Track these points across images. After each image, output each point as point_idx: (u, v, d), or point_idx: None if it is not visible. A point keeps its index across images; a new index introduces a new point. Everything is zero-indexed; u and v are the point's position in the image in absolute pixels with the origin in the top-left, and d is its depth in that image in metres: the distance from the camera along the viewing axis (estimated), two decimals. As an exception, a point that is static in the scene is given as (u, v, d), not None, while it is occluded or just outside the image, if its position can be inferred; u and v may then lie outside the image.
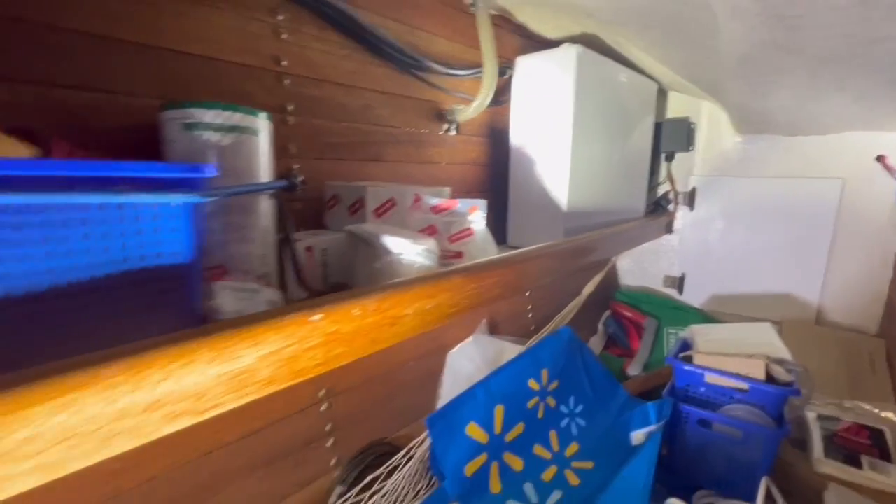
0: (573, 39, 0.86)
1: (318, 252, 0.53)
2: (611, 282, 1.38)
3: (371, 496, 0.62)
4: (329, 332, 0.35)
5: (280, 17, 0.58)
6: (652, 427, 0.76)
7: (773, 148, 1.14)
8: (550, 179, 0.83)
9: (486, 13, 0.76)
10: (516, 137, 0.88)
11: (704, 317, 1.26)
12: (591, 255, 0.82)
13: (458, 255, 0.59)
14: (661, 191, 1.26)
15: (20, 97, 0.41)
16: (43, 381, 0.23)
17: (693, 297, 1.30)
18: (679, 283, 1.32)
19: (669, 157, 1.19)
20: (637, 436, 0.80)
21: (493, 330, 0.97)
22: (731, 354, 0.80)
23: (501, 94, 0.87)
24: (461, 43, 0.83)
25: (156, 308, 0.32)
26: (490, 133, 0.93)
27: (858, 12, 0.51)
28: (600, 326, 1.28)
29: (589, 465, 0.80)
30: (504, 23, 0.90)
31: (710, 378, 0.80)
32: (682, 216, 1.28)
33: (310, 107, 0.62)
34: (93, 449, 0.24)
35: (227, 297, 0.37)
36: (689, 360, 0.80)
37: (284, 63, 0.59)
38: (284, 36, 0.59)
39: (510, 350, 0.86)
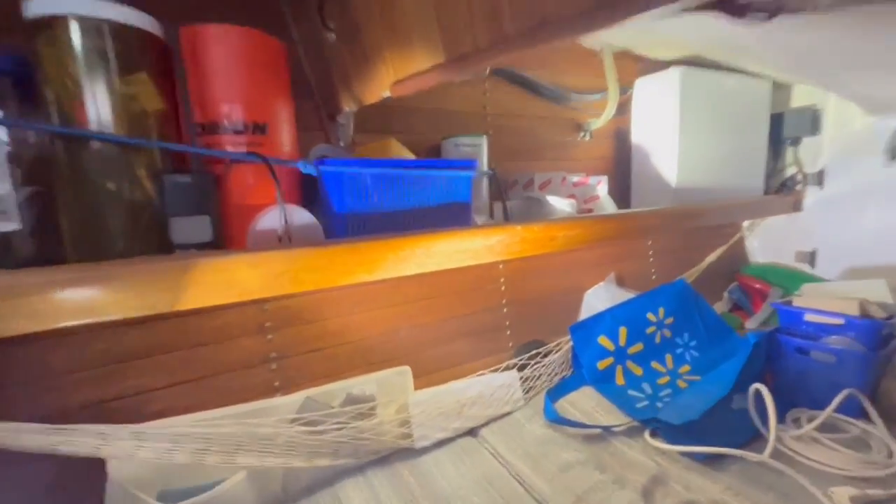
0: (687, 60, 1.11)
1: (509, 206, 0.97)
2: (738, 258, 1.53)
3: (533, 366, 1.02)
4: (515, 239, 0.69)
5: (486, 84, 1.04)
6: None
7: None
8: (662, 166, 1.14)
9: (609, 53, 1.11)
10: (636, 137, 1.20)
11: (835, 286, 1.34)
12: (698, 220, 1.08)
13: (590, 210, 0.97)
14: (789, 173, 1.40)
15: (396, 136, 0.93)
16: (410, 239, 0.59)
17: (826, 270, 1.38)
18: (811, 257, 1.41)
19: (795, 143, 1.34)
20: None
21: (620, 283, 1.29)
22: (829, 299, 0.96)
23: (624, 107, 1.20)
24: (594, 76, 1.16)
25: (455, 219, 0.78)
26: (615, 135, 1.27)
27: None
28: (725, 294, 1.46)
29: (697, 378, 1.04)
30: (627, 54, 1.22)
31: (809, 317, 0.95)
32: (812, 195, 1.39)
33: (501, 130, 1.07)
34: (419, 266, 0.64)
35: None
36: (790, 304, 0.98)
37: (487, 107, 1.05)
38: (487, 94, 1.05)
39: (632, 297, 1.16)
